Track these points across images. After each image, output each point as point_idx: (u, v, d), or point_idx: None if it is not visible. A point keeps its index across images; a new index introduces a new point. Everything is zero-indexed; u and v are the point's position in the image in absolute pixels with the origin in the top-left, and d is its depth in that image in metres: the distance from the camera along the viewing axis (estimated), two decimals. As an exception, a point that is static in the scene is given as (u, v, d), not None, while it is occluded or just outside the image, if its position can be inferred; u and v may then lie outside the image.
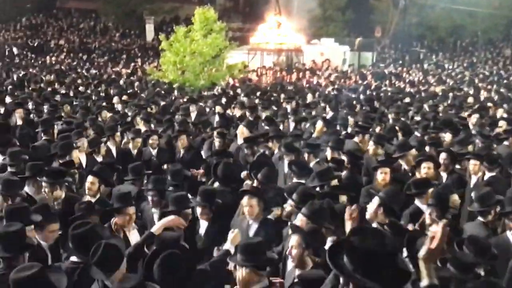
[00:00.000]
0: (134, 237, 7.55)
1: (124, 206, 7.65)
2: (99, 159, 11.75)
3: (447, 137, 13.51)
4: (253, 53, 37.16)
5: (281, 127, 15.24)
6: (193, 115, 17.52)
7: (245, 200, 7.85)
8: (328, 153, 11.46)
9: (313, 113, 18.09)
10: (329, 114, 18.10)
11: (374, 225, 7.20)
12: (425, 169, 10.00)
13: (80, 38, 47.67)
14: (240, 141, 13.10)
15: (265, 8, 40.07)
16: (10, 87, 23.69)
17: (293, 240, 6.25)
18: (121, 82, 27.97)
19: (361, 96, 23.69)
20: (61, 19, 54.04)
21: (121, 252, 5.86)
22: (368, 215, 7.32)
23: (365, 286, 3.85)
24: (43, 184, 8.94)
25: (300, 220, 6.98)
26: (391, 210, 7.44)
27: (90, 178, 9.10)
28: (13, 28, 49.25)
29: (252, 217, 7.81)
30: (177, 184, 9.56)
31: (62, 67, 35.32)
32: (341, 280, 4.13)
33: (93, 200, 8.90)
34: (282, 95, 22.38)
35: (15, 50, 42.22)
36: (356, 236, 3.98)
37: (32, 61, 38.65)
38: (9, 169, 10.09)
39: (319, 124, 14.69)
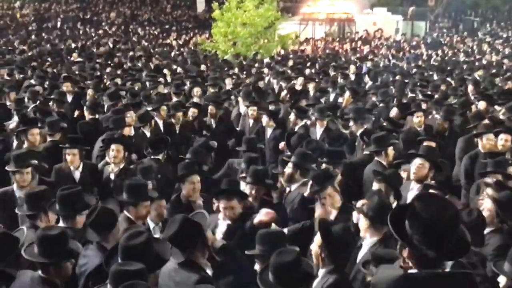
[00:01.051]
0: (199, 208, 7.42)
1: (190, 173, 7.80)
2: (148, 133, 11.71)
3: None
4: (304, 24, 36.87)
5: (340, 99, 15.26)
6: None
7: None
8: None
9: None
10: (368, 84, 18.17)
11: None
12: (501, 141, 9.72)
13: (131, 10, 47.81)
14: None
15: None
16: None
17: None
18: (172, 54, 28.05)
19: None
20: (112, -10, 54.38)
21: (115, 216, 6.18)
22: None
23: (421, 252, 3.81)
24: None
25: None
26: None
27: (114, 146, 9.18)
28: (64, 1, 49.66)
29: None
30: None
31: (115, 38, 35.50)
32: (398, 244, 4.09)
33: (117, 168, 9.13)
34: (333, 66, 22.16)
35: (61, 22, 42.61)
36: (420, 202, 3.92)
37: (82, 33, 38.92)
38: (48, 138, 10.32)
39: (347, 94, 14.80)
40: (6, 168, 8.34)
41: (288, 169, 8.49)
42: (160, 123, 12.52)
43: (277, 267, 5.19)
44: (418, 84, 16.62)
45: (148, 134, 11.61)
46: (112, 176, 9.17)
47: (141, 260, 5.00)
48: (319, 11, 36.99)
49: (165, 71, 20.01)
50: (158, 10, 48.37)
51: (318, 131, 11.56)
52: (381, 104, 13.97)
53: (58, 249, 5.54)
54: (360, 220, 6.17)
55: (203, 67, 21.68)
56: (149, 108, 12.62)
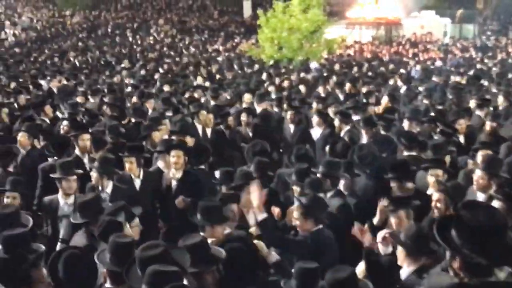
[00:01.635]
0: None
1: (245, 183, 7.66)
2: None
3: None
4: (351, 28, 36.74)
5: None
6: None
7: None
8: (406, 125, 11.53)
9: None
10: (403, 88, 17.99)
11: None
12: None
13: (178, 17, 48.25)
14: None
15: (364, -19, 39.41)
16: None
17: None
18: (220, 59, 28.25)
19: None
20: (160, -2, 54.95)
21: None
22: None
23: (473, 261, 3.83)
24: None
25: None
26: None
27: (174, 152, 9.22)
28: (113, 8, 50.35)
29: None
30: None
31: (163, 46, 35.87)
32: (447, 254, 4.08)
33: (179, 174, 9.16)
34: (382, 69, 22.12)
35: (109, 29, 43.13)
36: (466, 211, 3.94)
37: (131, 40, 39.38)
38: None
39: (385, 99, 14.62)
40: (51, 175, 8.44)
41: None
42: (199, 128, 12.55)
43: (333, 283, 5.22)
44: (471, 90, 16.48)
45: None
46: (173, 183, 9.25)
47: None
48: (366, 15, 36.83)
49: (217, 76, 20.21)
50: (206, 17, 48.71)
51: (364, 137, 11.45)
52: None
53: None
54: (397, 248, 5.97)
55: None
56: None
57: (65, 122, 11.95)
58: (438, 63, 26.95)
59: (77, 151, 10.12)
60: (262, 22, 26.94)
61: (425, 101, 14.90)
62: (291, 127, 12.96)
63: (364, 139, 11.28)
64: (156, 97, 15.26)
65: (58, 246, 7.84)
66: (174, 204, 8.83)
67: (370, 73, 21.69)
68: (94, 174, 8.66)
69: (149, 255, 5.22)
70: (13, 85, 18.19)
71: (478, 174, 7.87)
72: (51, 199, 8.29)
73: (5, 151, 9.89)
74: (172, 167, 9.27)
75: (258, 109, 14.08)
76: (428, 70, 22.50)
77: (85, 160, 10.04)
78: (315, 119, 12.57)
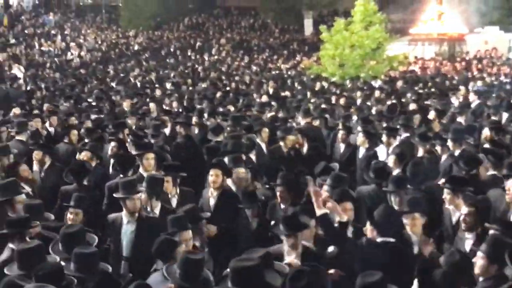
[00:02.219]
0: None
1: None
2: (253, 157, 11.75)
3: None
4: (413, 44, 36.38)
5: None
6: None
7: None
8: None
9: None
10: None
11: None
12: None
13: (240, 36, 48.58)
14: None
15: (426, -3, 39.06)
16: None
17: None
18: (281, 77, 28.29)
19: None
20: (221, 17, 55.38)
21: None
22: None
23: None
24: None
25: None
26: None
27: (213, 171, 9.25)
28: (176, 28, 51.00)
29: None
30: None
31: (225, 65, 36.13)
32: None
33: (216, 193, 9.20)
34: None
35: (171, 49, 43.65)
36: None
37: (193, 59, 39.76)
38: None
39: (432, 113, 14.57)
40: (115, 195, 8.53)
41: (325, 192, 8.39)
42: (263, 145, 12.57)
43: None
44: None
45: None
46: (211, 201, 9.28)
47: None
48: (429, 31, 36.47)
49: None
50: (267, 35, 48.90)
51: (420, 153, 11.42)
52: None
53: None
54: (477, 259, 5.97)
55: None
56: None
57: (113, 143, 12.07)
58: (503, 78, 26.46)
59: (141, 170, 10.19)
60: (325, 38, 26.91)
61: (493, 118, 14.63)
62: (342, 147, 12.93)
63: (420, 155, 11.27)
64: (222, 115, 15.34)
65: (122, 265, 7.97)
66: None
67: (433, 89, 21.46)
68: (142, 195, 8.72)
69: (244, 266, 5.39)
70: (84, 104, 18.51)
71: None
72: (115, 217, 8.38)
73: (79, 167, 10.11)
74: (210, 186, 9.34)
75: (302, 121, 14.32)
76: (493, 86, 22.12)
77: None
78: (359, 137, 12.45)
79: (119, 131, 13.20)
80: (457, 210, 8.08)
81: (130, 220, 8.24)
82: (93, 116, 15.80)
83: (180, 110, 17.10)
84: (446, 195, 8.32)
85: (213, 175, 9.22)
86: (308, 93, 20.56)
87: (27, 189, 9.79)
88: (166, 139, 13.34)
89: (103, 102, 18.87)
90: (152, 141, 12.45)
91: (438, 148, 11.42)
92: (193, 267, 5.77)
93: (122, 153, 11.42)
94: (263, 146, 12.53)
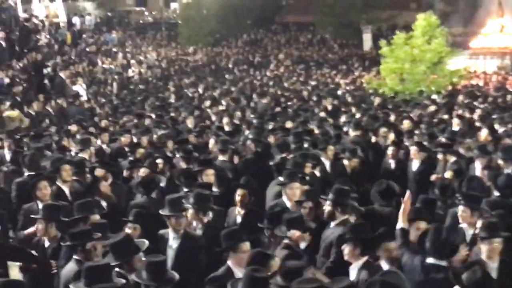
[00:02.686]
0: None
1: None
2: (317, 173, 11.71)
3: None
4: (475, 58, 35.81)
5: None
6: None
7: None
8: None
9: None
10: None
11: None
12: None
13: (298, 51, 48.54)
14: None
15: (487, 11, 38.47)
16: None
17: None
18: (339, 92, 28.15)
19: None
20: (279, 33, 55.48)
21: None
22: None
23: None
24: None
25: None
26: None
27: (240, 191, 9.69)
28: (234, 44, 51.29)
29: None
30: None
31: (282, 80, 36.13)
32: None
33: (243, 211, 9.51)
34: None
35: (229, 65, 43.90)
36: None
37: (251, 75, 39.86)
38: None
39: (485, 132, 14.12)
40: (161, 212, 8.61)
41: (328, 206, 8.57)
42: (327, 164, 12.47)
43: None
44: None
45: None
46: (238, 219, 9.55)
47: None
48: (491, 45, 35.89)
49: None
50: (325, 50, 48.77)
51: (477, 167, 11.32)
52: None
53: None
54: None
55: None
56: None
57: (159, 160, 12.08)
58: None
59: None
60: (385, 53, 26.68)
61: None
62: (416, 164, 12.77)
63: (478, 169, 11.15)
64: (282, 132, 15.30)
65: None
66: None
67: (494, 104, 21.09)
68: (190, 211, 8.84)
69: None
70: (147, 121, 18.76)
71: None
72: (164, 233, 8.51)
73: (149, 180, 10.26)
74: (237, 204, 9.61)
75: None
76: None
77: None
78: (412, 150, 12.55)
79: (184, 147, 13.30)
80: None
81: (175, 237, 8.36)
82: (159, 132, 15.98)
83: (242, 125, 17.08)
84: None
85: (240, 195, 9.61)
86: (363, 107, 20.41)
87: (104, 204, 10.13)
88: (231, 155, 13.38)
89: (163, 118, 19.01)
90: (220, 157, 12.64)
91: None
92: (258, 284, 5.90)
93: (186, 169, 11.45)
94: (327, 163, 12.45)
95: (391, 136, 14.28)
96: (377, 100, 23.13)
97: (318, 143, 13.19)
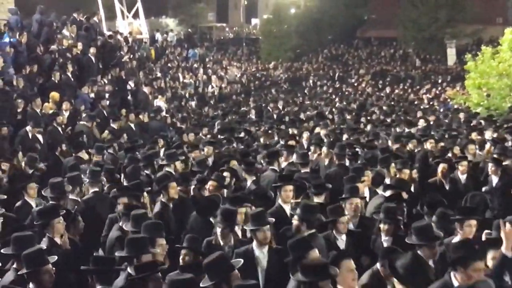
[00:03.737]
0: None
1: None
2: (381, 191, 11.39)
3: None
4: None
5: None
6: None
7: None
8: None
9: None
10: None
11: None
12: None
13: (380, 66, 48.07)
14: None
15: None
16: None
17: None
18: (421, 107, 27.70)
19: None
20: (361, 48, 55.12)
21: None
22: None
23: None
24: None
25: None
26: None
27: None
28: (315, 59, 51.19)
29: None
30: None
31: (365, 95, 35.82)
32: None
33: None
34: None
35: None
36: None
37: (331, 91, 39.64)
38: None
39: None
40: (245, 227, 8.65)
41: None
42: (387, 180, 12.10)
43: None
44: None
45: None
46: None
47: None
48: None
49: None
50: (408, 65, 48.12)
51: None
52: None
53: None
54: None
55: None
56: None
57: (211, 182, 11.59)
58: None
59: (280, 201, 10.25)
60: (470, 68, 26.04)
61: None
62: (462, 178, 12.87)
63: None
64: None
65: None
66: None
67: None
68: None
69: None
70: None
71: None
72: (245, 250, 8.31)
73: (210, 202, 10.13)
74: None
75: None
76: None
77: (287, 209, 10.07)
78: (490, 167, 12.43)
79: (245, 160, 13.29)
80: None
81: (262, 251, 8.23)
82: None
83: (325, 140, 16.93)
84: None
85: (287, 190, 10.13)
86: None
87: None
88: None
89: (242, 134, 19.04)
90: (302, 170, 12.60)
91: None
92: None
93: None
94: (387, 180, 12.09)
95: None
96: (461, 116, 22.62)
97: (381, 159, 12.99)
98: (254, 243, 8.28)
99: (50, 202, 10.42)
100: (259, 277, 8.08)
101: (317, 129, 19.01)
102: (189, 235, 8.49)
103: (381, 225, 8.83)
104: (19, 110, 18.74)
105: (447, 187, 12.68)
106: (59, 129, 17.95)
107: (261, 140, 18.13)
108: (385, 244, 8.58)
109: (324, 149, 14.60)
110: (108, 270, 7.32)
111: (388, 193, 10.60)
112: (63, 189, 10.95)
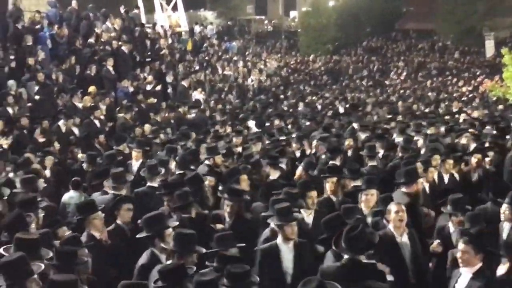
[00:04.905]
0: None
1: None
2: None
3: None
4: None
5: None
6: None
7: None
8: None
9: None
10: None
11: None
12: None
13: (418, 58, 47.86)
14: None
15: None
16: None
17: None
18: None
19: None
20: (399, 40, 54.90)
21: None
22: None
23: None
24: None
25: None
26: None
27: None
28: (354, 52, 51.12)
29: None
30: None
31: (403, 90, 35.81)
32: None
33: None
34: None
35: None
36: None
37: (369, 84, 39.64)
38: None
39: None
40: (268, 221, 8.55)
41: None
42: (446, 177, 12.27)
43: None
44: None
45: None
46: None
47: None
48: None
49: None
50: (447, 57, 47.83)
51: None
52: None
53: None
54: None
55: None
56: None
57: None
58: None
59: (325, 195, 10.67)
60: (508, 60, 25.99)
61: None
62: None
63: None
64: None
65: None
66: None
67: None
68: None
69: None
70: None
71: None
72: (268, 247, 8.32)
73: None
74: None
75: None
76: None
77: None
78: None
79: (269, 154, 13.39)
80: None
81: (288, 246, 8.22)
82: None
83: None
84: None
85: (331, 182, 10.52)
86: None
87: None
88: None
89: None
90: (369, 163, 12.95)
91: None
92: None
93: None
94: (446, 177, 12.30)
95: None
96: (500, 107, 22.65)
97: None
98: (279, 239, 8.23)
99: (112, 192, 10.60)
100: (285, 272, 8.13)
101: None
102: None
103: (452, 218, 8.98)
104: (60, 103, 19.08)
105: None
106: (96, 122, 18.06)
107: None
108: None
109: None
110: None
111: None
112: (124, 179, 11.01)
